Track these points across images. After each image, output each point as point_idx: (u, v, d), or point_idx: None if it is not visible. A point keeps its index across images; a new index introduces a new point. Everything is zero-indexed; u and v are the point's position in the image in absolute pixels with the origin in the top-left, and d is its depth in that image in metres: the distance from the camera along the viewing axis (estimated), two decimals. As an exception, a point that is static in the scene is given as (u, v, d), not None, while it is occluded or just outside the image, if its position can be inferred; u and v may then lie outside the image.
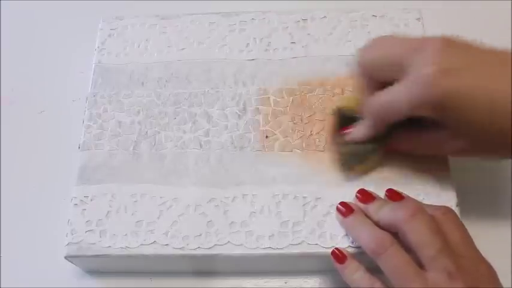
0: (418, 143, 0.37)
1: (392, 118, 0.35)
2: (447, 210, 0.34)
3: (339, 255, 0.35)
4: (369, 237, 0.34)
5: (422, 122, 0.35)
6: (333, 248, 0.36)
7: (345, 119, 0.39)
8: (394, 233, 0.33)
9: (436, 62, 0.32)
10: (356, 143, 0.38)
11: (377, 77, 0.36)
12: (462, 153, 0.36)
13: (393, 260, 0.32)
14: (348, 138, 0.38)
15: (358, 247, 0.36)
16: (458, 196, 0.38)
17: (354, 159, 0.38)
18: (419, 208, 0.33)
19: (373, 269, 0.33)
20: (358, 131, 0.38)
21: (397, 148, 0.38)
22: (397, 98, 0.34)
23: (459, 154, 0.36)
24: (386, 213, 0.34)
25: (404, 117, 0.34)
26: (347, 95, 0.41)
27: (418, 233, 0.32)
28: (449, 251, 0.31)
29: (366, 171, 0.39)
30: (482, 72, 0.32)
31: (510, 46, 0.47)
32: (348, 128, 0.38)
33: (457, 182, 0.39)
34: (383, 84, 0.35)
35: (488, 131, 0.32)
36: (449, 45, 0.33)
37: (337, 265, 0.35)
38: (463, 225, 0.33)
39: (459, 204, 0.37)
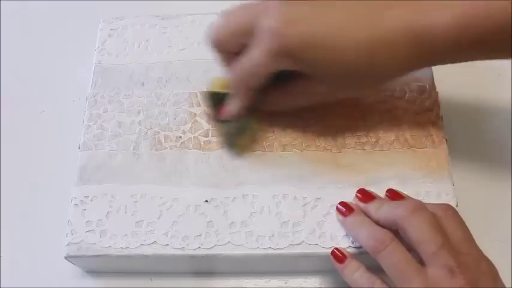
0: (288, 98, 0.38)
1: (255, 81, 0.36)
2: (448, 207, 0.34)
3: (339, 255, 0.35)
4: (369, 235, 0.34)
5: (288, 78, 0.37)
6: (333, 248, 0.36)
7: (217, 101, 0.39)
8: (395, 232, 0.33)
9: (278, 16, 0.34)
10: (233, 119, 0.38)
11: (233, 49, 0.37)
12: (329, 95, 0.38)
13: (393, 257, 0.32)
14: (224, 117, 0.39)
15: (359, 247, 0.36)
16: (458, 196, 0.38)
17: (234, 136, 0.39)
18: (420, 205, 0.33)
19: (374, 270, 0.33)
20: (231, 107, 0.38)
21: (271, 109, 0.40)
22: (253, 59, 0.35)
23: (327, 97, 0.38)
24: (386, 211, 0.34)
25: (266, 77, 0.36)
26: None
27: (418, 230, 0.32)
28: (450, 248, 0.31)
29: (249, 144, 0.40)
30: (323, 18, 0.34)
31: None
32: (222, 109, 0.39)
33: (457, 182, 0.39)
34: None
35: (338, 69, 0.34)
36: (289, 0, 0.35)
37: (337, 265, 0.35)
38: (463, 223, 0.33)
39: (459, 204, 0.37)
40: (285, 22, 0.33)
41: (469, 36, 0.32)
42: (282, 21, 0.33)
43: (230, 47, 0.37)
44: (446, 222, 0.33)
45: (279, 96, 0.39)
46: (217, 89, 0.39)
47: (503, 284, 0.32)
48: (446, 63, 0.35)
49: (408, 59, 0.34)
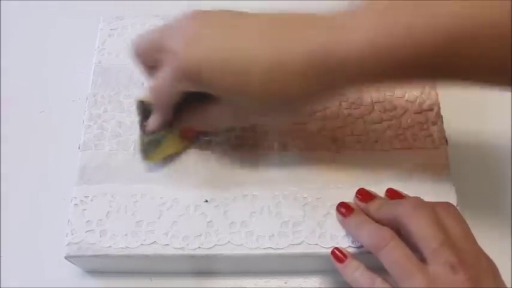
0: (200, 118, 0.37)
1: (166, 99, 0.36)
2: (448, 205, 0.34)
3: (339, 255, 0.35)
4: (370, 233, 0.34)
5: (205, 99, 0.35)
6: (333, 248, 0.36)
7: (145, 111, 0.39)
8: (396, 231, 0.33)
9: (181, 37, 0.33)
10: (154, 131, 0.38)
11: (149, 63, 0.36)
12: (240, 120, 0.36)
13: (394, 254, 0.32)
14: (146, 130, 0.39)
15: (359, 247, 0.36)
16: (458, 196, 0.38)
17: (150, 148, 0.39)
18: (421, 202, 0.33)
19: (374, 270, 0.33)
20: (151, 121, 0.38)
21: (188, 127, 0.39)
22: (160, 77, 0.34)
23: (240, 121, 0.37)
24: (386, 210, 0.34)
25: (177, 95, 0.35)
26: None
27: (419, 226, 0.32)
28: (451, 245, 0.31)
29: (163, 157, 0.40)
30: (230, 41, 0.32)
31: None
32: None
33: (457, 182, 0.39)
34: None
35: (238, 94, 0.32)
36: (195, 17, 0.33)
37: (338, 265, 0.35)
38: (464, 220, 0.33)
39: (459, 204, 0.37)
40: (186, 44, 0.32)
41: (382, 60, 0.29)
42: (184, 43, 0.32)
43: (146, 61, 0.36)
44: (447, 219, 0.33)
45: (193, 116, 0.38)
46: (147, 100, 0.39)
47: (503, 282, 0.32)
48: (373, 85, 0.32)
49: (308, 86, 0.31)
